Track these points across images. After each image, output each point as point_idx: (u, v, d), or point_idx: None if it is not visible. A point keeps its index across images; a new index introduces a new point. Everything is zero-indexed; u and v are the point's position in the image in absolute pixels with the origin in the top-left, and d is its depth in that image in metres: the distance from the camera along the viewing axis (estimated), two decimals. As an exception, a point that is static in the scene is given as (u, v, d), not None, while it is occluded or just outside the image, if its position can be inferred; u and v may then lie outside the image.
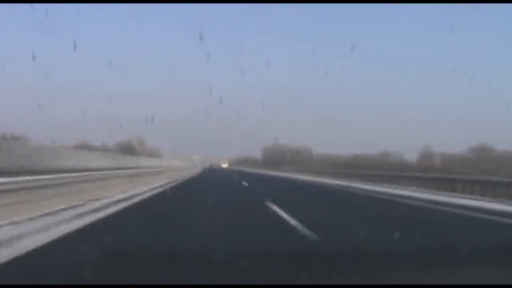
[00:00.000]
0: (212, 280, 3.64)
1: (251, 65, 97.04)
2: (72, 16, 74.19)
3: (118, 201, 10.34)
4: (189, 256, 4.49)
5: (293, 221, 7.20)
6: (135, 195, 12.36)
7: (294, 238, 5.83)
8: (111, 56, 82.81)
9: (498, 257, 4.74)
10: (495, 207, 11.73)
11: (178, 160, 68.44)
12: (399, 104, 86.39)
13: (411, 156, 45.98)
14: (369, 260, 4.35)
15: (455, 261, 4.51)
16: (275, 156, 76.02)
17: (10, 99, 69.06)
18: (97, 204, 9.38)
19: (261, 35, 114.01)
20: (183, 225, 6.94)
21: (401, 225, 7.75)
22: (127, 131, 66.65)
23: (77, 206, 8.72)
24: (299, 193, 17.50)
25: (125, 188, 14.38)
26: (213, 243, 5.40)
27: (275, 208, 9.42)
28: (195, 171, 51.41)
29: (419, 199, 13.97)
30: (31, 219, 6.64)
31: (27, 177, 9.25)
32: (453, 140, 63.69)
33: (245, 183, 22.32)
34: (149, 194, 13.43)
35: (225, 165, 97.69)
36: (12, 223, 6.15)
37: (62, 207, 8.24)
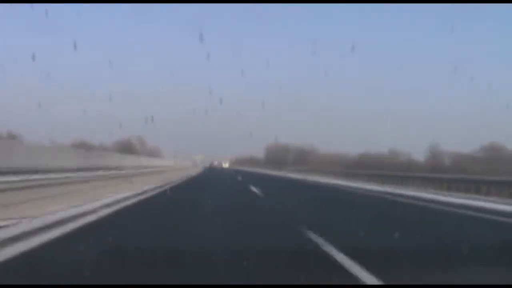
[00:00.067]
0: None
1: (251, 65, 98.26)
2: (72, 16, 75.20)
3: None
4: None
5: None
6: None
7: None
8: (111, 56, 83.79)
9: None
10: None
11: (178, 159, 68.67)
12: (399, 104, 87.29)
13: (418, 155, 46.14)
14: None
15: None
16: (278, 156, 76.08)
17: (10, 99, 69.97)
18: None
19: (261, 35, 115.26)
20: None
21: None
22: (127, 131, 67.18)
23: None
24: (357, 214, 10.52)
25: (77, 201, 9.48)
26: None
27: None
28: (195, 170, 51.57)
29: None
30: None
31: None
32: (453, 140, 64.26)
33: (254, 189, 16.97)
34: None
35: (226, 165, 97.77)
36: None
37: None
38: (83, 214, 7.69)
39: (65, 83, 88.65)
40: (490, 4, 75.71)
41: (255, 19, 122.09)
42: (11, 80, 74.10)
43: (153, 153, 61.65)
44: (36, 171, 11.31)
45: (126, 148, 52.74)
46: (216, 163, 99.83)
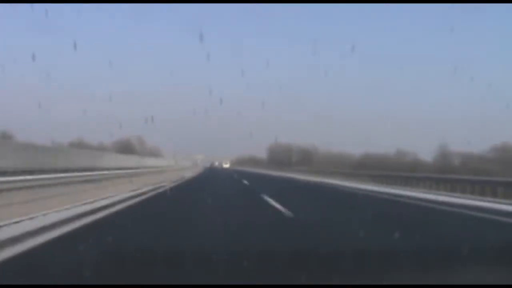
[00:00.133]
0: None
1: (251, 65, 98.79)
2: (72, 16, 75.71)
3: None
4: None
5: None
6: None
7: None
8: (111, 56, 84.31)
9: None
10: None
11: (178, 159, 68.79)
12: (399, 104, 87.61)
13: (424, 155, 46.16)
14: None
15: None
16: (281, 156, 76.07)
17: (10, 99, 70.53)
18: None
19: (261, 35, 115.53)
20: None
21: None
22: (127, 131, 67.65)
23: None
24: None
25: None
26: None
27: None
28: (195, 170, 51.57)
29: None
30: None
31: None
32: (457, 140, 64.33)
33: (271, 201, 11.93)
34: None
35: (226, 165, 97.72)
36: None
37: None
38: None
39: (65, 83, 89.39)
40: (490, 4, 76.11)
41: (255, 19, 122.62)
42: (11, 80, 74.79)
43: (153, 153, 61.86)
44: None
45: (126, 148, 52.94)
46: (216, 163, 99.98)
